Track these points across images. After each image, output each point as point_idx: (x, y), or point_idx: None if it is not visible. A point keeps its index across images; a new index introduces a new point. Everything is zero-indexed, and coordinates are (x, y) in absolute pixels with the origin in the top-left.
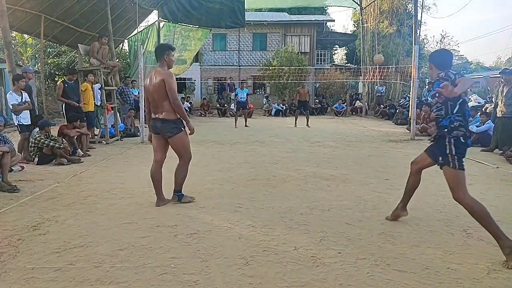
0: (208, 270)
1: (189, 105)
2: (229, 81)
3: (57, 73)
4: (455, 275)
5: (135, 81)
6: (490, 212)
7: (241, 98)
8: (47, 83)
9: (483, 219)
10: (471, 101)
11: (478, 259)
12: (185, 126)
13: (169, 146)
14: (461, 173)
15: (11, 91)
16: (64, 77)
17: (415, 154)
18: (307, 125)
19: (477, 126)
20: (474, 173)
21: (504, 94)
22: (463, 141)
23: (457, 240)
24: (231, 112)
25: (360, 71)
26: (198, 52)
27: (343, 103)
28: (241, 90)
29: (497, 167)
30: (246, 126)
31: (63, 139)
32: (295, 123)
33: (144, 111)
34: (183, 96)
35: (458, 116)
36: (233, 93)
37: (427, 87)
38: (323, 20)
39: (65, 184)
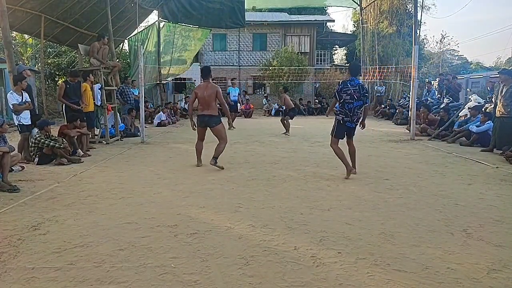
0: (208, 270)
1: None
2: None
3: (57, 73)
4: (455, 275)
5: (135, 81)
6: (490, 212)
7: (233, 96)
8: (47, 83)
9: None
10: (471, 101)
11: (478, 259)
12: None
13: (209, 132)
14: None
15: (11, 91)
16: (65, 77)
17: (415, 154)
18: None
19: (477, 126)
20: (474, 173)
21: (502, 94)
22: (341, 122)
23: (457, 240)
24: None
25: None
26: (198, 52)
27: None
28: (233, 88)
29: (497, 167)
30: (232, 127)
31: (63, 139)
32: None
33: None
34: (184, 96)
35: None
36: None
37: (426, 87)
38: (323, 20)
39: (65, 184)
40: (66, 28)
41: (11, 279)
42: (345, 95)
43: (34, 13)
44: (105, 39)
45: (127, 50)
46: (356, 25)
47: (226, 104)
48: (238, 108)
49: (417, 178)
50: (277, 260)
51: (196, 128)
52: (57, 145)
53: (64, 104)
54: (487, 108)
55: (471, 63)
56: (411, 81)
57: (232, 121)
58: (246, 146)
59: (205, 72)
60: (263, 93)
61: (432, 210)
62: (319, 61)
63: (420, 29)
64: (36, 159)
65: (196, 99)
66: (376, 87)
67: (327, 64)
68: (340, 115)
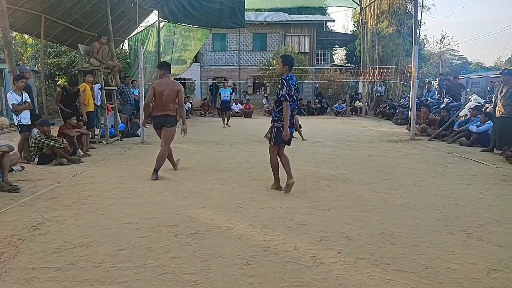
0: (208, 270)
1: (190, 105)
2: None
3: (57, 73)
4: (455, 275)
5: (135, 81)
6: (490, 212)
7: (224, 97)
8: (47, 83)
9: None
10: (471, 101)
11: (478, 259)
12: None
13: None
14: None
15: (11, 91)
16: (65, 77)
17: (415, 154)
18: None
19: (477, 126)
20: (474, 173)
21: (502, 95)
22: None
23: (457, 240)
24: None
25: (360, 71)
26: (198, 52)
27: (343, 103)
28: (224, 89)
29: (497, 167)
30: (227, 125)
31: (63, 139)
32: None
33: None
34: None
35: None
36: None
37: (426, 87)
38: (323, 20)
39: (65, 184)
40: (66, 28)
41: (11, 279)
42: (289, 97)
43: (34, 13)
44: (102, 39)
45: (127, 50)
46: (356, 25)
47: (184, 107)
48: (237, 109)
49: (417, 178)
50: (277, 260)
51: (147, 125)
52: (57, 145)
53: (59, 109)
54: (487, 108)
55: (471, 63)
56: (411, 81)
57: (228, 120)
58: (246, 146)
59: (166, 66)
60: (263, 93)
61: (432, 210)
62: (319, 61)
63: (420, 29)
64: (36, 159)
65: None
66: (376, 87)
67: (327, 64)
68: (280, 121)
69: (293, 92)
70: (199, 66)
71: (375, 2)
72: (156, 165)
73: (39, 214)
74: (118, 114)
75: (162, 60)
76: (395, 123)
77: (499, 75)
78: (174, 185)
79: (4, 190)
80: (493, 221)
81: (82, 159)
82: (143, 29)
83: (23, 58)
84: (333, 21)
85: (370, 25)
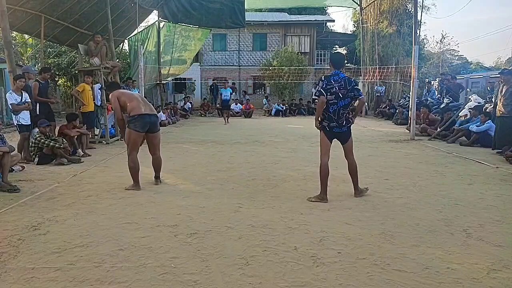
0: (208, 270)
1: (190, 105)
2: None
3: (57, 73)
4: (455, 275)
5: (135, 81)
6: (490, 212)
7: (225, 96)
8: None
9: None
10: (471, 101)
11: (478, 259)
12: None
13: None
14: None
15: (10, 91)
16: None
17: (415, 154)
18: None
19: (477, 126)
20: (474, 173)
21: (502, 94)
22: (328, 129)
23: (457, 240)
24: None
25: (360, 71)
26: (198, 52)
27: None
28: (225, 89)
29: (497, 167)
30: (226, 123)
31: (63, 139)
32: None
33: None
34: (184, 96)
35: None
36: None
37: (426, 87)
38: (323, 20)
39: (65, 184)
40: (66, 28)
41: (11, 279)
42: (329, 94)
43: (34, 13)
44: (96, 37)
45: (127, 50)
46: (356, 25)
47: None
48: (237, 109)
49: (417, 178)
50: (277, 260)
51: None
52: (57, 145)
53: (38, 104)
54: (487, 108)
55: (471, 63)
56: (411, 81)
57: (227, 118)
58: (246, 146)
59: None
60: (263, 93)
61: (432, 210)
62: (319, 61)
63: (420, 29)
64: (36, 159)
65: (128, 104)
66: (376, 87)
67: (327, 64)
68: (324, 121)
69: (335, 89)
70: (199, 66)
71: (375, 2)
72: (156, 172)
73: (39, 214)
74: None
75: (162, 60)
76: (395, 123)
77: (499, 75)
78: (174, 185)
79: (4, 190)
80: (493, 221)
81: (82, 159)
82: (143, 29)
83: (23, 58)
84: (333, 21)
85: (370, 25)
